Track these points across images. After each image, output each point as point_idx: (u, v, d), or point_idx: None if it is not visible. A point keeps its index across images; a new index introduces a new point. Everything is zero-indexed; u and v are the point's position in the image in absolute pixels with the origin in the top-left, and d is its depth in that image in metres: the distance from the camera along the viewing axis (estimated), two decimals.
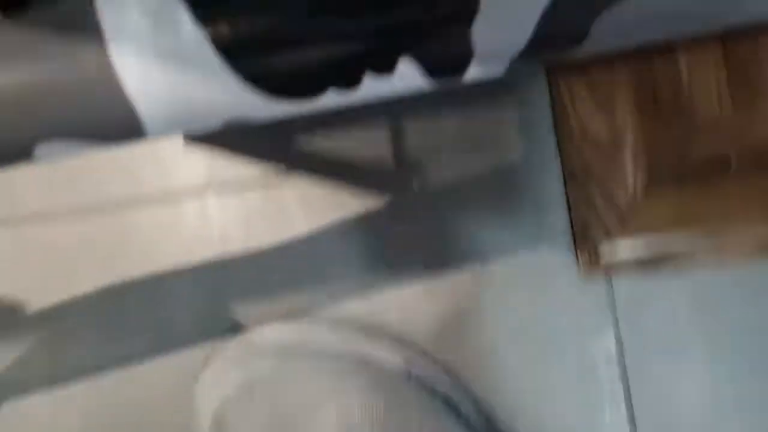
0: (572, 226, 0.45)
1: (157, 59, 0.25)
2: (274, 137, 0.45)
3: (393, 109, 0.45)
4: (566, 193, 0.45)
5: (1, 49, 0.26)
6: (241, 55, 0.26)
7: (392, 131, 0.45)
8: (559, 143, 0.46)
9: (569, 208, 0.45)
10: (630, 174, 0.46)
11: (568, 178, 0.45)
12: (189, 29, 0.25)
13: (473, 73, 0.28)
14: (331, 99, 0.28)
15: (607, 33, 0.28)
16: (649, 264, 0.46)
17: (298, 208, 0.45)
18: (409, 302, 0.44)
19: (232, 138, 0.45)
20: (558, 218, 0.45)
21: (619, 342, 0.46)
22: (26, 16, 0.26)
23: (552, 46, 0.29)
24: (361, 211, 0.45)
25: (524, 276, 0.45)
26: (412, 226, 0.45)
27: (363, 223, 0.45)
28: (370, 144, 0.45)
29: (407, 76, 0.28)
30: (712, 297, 0.46)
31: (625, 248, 0.45)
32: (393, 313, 0.44)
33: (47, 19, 0.26)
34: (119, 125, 0.27)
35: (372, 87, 0.28)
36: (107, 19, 0.25)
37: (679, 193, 0.46)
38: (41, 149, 0.28)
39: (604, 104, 0.47)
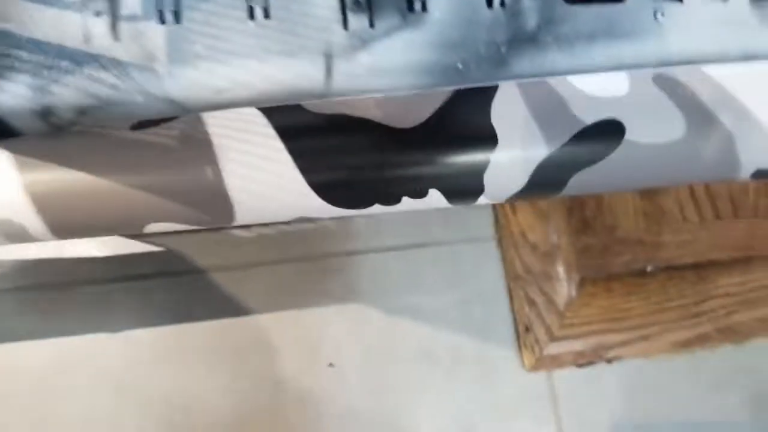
0: (515, 323, 0.52)
1: (256, 173, 0.33)
2: None
3: None
4: (509, 294, 0.52)
5: (132, 156, 0.33)
6: (317, 176, 0.33)
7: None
8: (502, 249, 0.53)
9: (512, 307, 0.52)
10: (564, 277, 0.53)
11: (511, 280, 0.52)
12: (286, 162, 0.32)
13: (481, 201, 0.37)
14: (377, 210, 0.35)
15: (580, 186, 0.37)
16: (586, 358, 0.52)
17: None
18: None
19: None
20: (502, 313, 0.52)
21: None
22: (152, 131, 0.33)
23: (538, 193, 0.38)
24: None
25: (470, 369, 0.50)
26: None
27: None
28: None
29: (434, 201, 0.36)
30: (642, 387, 0.52)
31: (564, 344, 0.52)
32: None
33: (170, 134, 0.32)
34: (218, 217, 0.34)
35: (407, 205, 0.36)
36: (217, 140, 0.33)
37: (608, 294, 0.53)
38: (150, 228, 0.34)
39: (542, 216, 0.55)
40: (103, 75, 0.34)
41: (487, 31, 0.37)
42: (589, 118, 0.35)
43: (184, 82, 0.35)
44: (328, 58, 0.35)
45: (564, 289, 0.53)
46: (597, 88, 0.36)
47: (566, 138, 0.35)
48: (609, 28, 0.38)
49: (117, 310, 0.49)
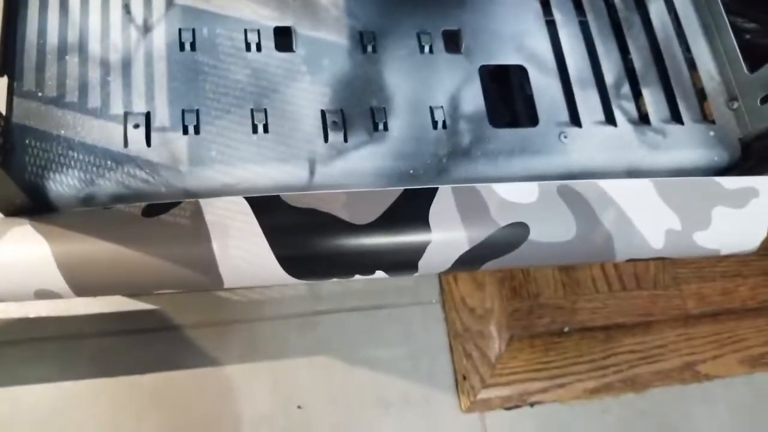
0: (455, 373, 0.63)
1: (239, 249, 0.42)
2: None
3: None
4: (450, 348, 0.63)
5: (143, 233, 0.42)
6: (285, 253, 0.43)
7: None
8: (446, 311, 0.65)
9: (453, 359, 0.63)
10: (496, 335, 0.65)
11: (452, 336, 0.64)
12: (262, 242, 0.43)
13: (414, 275, 0.47)
14: (333, 280, 0.46)
15: (489, 267, 0.47)
16: (513, 402, 0.63)
17: None
18: None
19: None
20: (444, 365, 0.62)
21: None
22: (161, 214, 0.42)
23: (459, 270, 0.47)
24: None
25: (418, 411, 0.61)
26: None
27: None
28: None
29: (378, 276, 0.46)
30: (558, 427, 0.63)
31: (495, 391, 0.63)
32: None
33: (174, 216, 0.42)
34: (209, 282, 0.43)
35: (358, 278, 0.45)
36: (211, 220, 0.42)
37: (531, 349, 0.65)
38: (155, 290, 0.44)
39: (479, 285, 0.66)
40: (137, 172, 0.45)
41: (433, 146, 0.50)
42: (503, 221, 0.46)
43: (201, 179, 0.46)
44: (312, 164, 0.47)
45: (495, 344, 0.64)
46: (513, 195, 0.47)
47: (483, 237, 0.46)
48: (525, 146, 0.51)
49: (117, 359, 0.58)
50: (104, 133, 0.45)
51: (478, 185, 0.47)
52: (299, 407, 0.59)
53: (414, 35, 0.53)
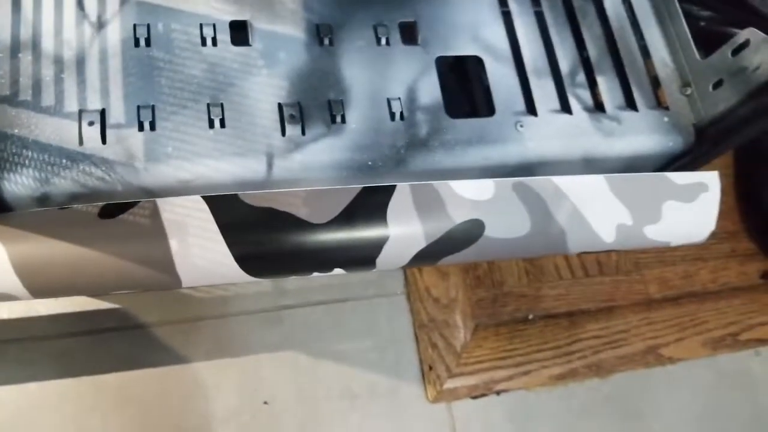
0: (421, 363, 0.64)
1: (196, 248, 0.43)
2: None
3: None
4: (416, 339, 0.64)
5: (100, 233, 0.42)
6: (243, 253, 0.44)
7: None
8: (411, 302, 0.66)
9: (418, 350, 0.64)
10: (461, 324, 0.66)
11: (417, 327, 0.65)
12: (220, 247, 0.43)
13: (372, 271, 0.48)
14: (291, 278, 0.46)
15: (446, 262, 0.48)
16: (479, 391, 0.65)
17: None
18: None
19: None
20: (410, 355, 0.63)
21: None
22: (118, 214, 0.42)
23: (417, 265, 0.50)
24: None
25: (385, 403, 0.62)
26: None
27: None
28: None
29: (336, 273, 0.47)
30: (525, 414, 0.65)
31: (461, 380, 0.64)
32: None
33: (132, 216, 0.42)
34: (167, 281, 0.43)
35: (316, 276, 0.47)
36: (168, 220, 0.43)
37: (496, 337, 0.66)
38: (113, 291, 0.44)
39: (443, 276, 0.68)
40: (93, 170, 0.45)
41: (391, 138, 0.51)
42: (460, 218, 0.47)
43: (157, 175, 0.46)
44: (270, 157, 0.48)
45: (461, 334, 0.65)
46: (470, 192, 0.48)
47: (441, 233, 0.47)
48: (481, 136, 0.52)
49: (81, 359, 0.58)
50: (59, 132, 0.45)
51: (435, 183, 0.48)
52: (266, 403, 0.60)
53: (371, 27, 0.53)
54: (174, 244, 0.43)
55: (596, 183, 0.51)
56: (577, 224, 0.50)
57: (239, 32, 0.51)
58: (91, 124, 0.45)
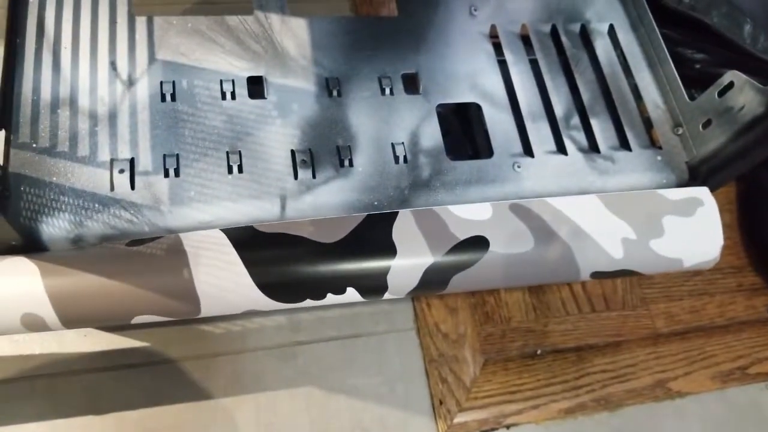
0: (431, 398, 0.67)
1: (216, 276, 0.48)
2: None
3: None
4: (426, 373, 0.68)
5: (127, 264, 0.47)
6: (262, 278, 0.49)
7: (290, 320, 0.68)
8: (420, 337, 0.70)
9: (429, 384, 0.68)
10: (470, 359, 0.70)
11: (427, 361, 0.69)
12: (239, 267, 0.48)
13: (386, 296, 0.53)
14: (307, 304, 0.51)
15: (459, 285, 0.53)
16: (489, 425, 0.68)
17: None
18: None
19: None
20: (421, 390, 0.67)
21: None
22: (143, 246, 0.47)
23: (428, 289, 0.53)
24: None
25: None
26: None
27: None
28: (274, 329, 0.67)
29: (351, 297, 0.51)
30: None
31: (471, 414, 0.68)
32: None
33: (156, 247, 0.48)
34: (188, 310, 0.48)
35: (331, 299, 0.51)
36: (190, 251, 0.48)
37: (505, 372, 0.70)
38: (137, 319, 0.48)
39: (452, 311, 0.72)
40: (123, 213, 0.50)
41: (395, 179, 0.56)
42: (463, 235, 0.52)
43: (181, 217, 0.52)
44: (283, 199, 0.53)
45: (470, 369, 0.69)
46: (468, 213, 0.53)
47: (446, 249, 0.52)
48: (480, 177, 0.58)
49: (106, 395, 0.63)
50: (92, 179, 0.51)
51: (435, 207, 0.53)
52: None
53: (375, 79, 0.59)
54: (195, 272, 0.48)
55: (591, 201, 0.56)
56: (580, 240, 0.54)
57: (256, 86, 0.57)
58: (121, 171, 0.51)
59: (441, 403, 0.67)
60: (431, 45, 0.62)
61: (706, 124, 0.61)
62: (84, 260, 0.49)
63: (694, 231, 0.57)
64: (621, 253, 0.54)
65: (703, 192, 0.58)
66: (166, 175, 0.52)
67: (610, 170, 0.60)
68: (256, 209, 0.53)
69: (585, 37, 0.66)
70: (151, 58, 0.55)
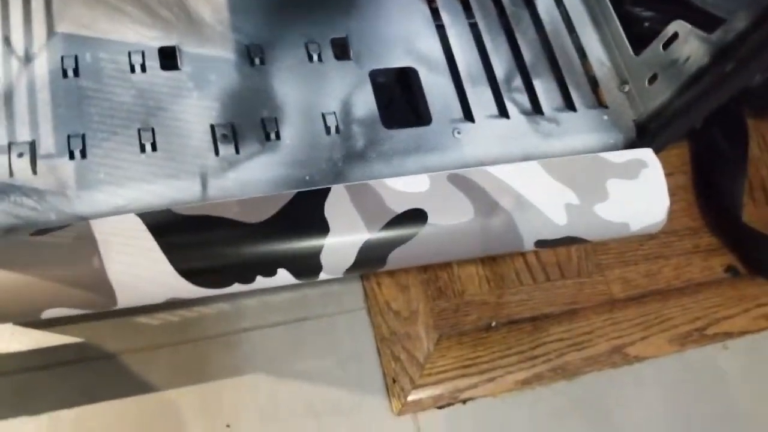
0: (384, 377, 0.62)
1: (132, 264, 0.42)
2: None
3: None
4: (378, 353, 0.63)
5: (31, 254, 0.41)
6: (184, 264, 0.43)
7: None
8: (371, 315, 0.65)
9: (381, 364, 0.63)
10: (424, 335, 0.65)
11: (379, 340, 0.63)
12: (157, 254, 0.42)
13: (322, 276, 0.47)
14: (236, 288, 0.45)
15: (398, 261, 0.48)
16: (444, 401, 0.63)
17: None
18: None
19: None
20: (373, 370, 0.62)
21: None
22: (48, 235, 0.41)
23: (366, 267, 0.48)
24: None
25: (349, 419, 0.60)
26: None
27: None
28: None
29: (283, 279, 0.45)
30: (492, 421, 0.63)
31: (425, 390, 0.63)
32: None
33: (63, 236, 0.42)
34: (103, 300, 0.42)
35: (261, 282, 0.45)
36: (101, 238, 0.42)
37: (460, 346, 0.65)
38: (47, 313, 0.42)
39: (403, 289, 0.66)
40: (25, 201, 0.44)
41: (327, 151, 0.50)
42: (400, 208, 0.46)
43: (90, 202, 0.45)
44: (204, 177, 0.47)
45: (423, 345, 0.64)
46: (405, 186, 0.47)
47: (382, 224, 0.46)
48: (418, 145, 0.52)
49: (39, 395, 0.56)
50: None
51: (369, 181, 0.47)
52: (228, 426, 0.58)
53: (302, 45, 0.53)
54: (107, 261, 0.42)
55: (531, 167, 0.51)
56: (522, 208, 0.49)
57: (168, 57, 0.51)
58: (20, 155, 0.45)
59: (394, 381, 0.62)
60: (362, 7, 0.56)
61: (652, 79, 0.56)
62: None
63: (639, 193, 0.52)
64: (565, 220, 0.49)
65: (646, 153, 0.53)
66: (72, 157, 0.46)
67: (555, 132, 0.55)
68: (174, 190, 0.46)
69: None
70: (50, 31, 0.49)
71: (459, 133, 0.53)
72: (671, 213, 0.77)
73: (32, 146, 0.45)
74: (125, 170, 0.46)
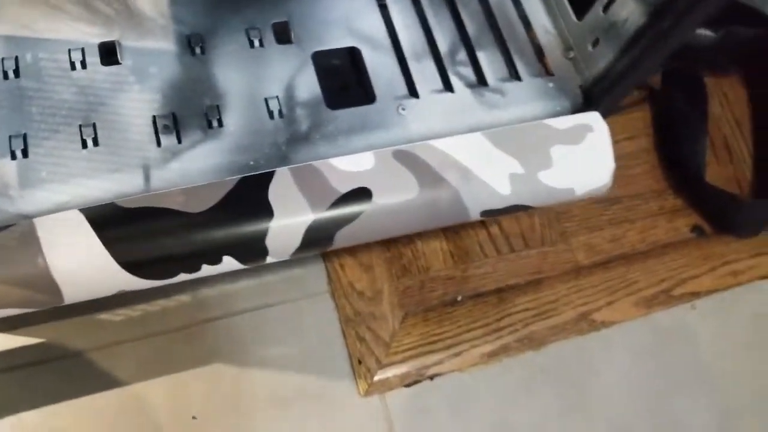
0: (350, 358, 0.64)
1: (75, 260, 0.43)
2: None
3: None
4: (343, 335, 0.65)
5: None
6: (126, 256, 0.44)
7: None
8: (335, 298, 0.66)
9: (347, 345, 0.64)
10: (389, 314, 0.66)
11: (344, 322, 0.65)
12: (99, 248, 0.44)
13: (269, 260, 0.49)
14: (181, 278, 0.47)
15: (346, 239, 0.49)
16: (411, 378, 0.65)
17: None
18: None
19: None
20: (339, 353, 0.64)
21: None
22: None
23: (314, 247, 0.50)
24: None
25: (316, 403, 0.62)
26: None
27: None
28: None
29: (229, 265, 0.47)
30: (461, 396, 0.65)
31: (392, 369, 0.65)
32: None
33: (5, 236, 0.43)
34: (50, 298, 0.44)
35: (207, 270, 0.47)
36: (44, 236, 0.43)
37: (425, 323, 0.67)
38: None
39: (366, 269, 0.68)
40: None
41: (271, 136, 0.52)
42: (344, 188, 0.48)
43: (34, 201, 0.47)
44: (146, 169, 0.49)
45: (389, 324, 0.66)
46: (350, 165, 0.49)
47: (327, 204, 0.48)
48: (363, 124, 0.54)
49: (2, 397, 0.58)
50: None
51: (314, 162, 0.49)
52: (194, 418, 0.60)
53: (243, 31, 0.54)
54: (51, 258, 0.43)
55: (476, 139, 0.53)
56: (466, 181, 0.51)
57: (109, 53, 0.52)
58: None
59: (360, 362, 0.64)
60: None
61: (595, 43, 0.58)
62: None
63: (584, 158, 0.54)
64: (509, 189, 0.51)
65: (592, 117, 0.55)
66: (13, 157, 0.47)
67: (500, 103, 0.57)
68: (117, 183, 0.48)
69: None
70: None
71: (404, 109, 0.55)
72: (635, 176, 0.81)
73: None
74: (68, 167, 0.47)
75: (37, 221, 0.44)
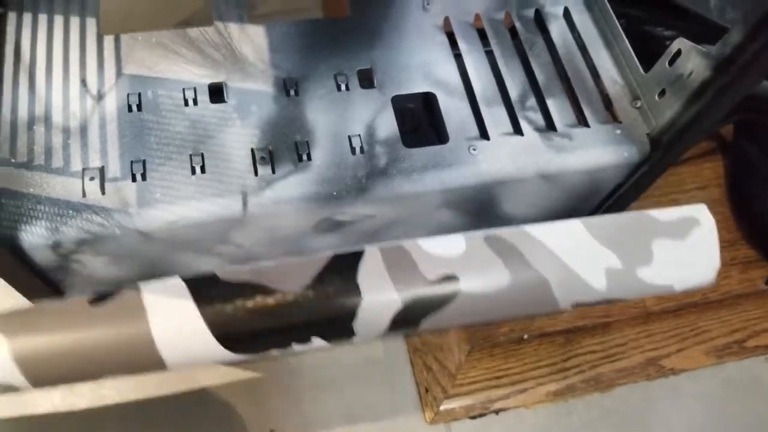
0: (417, 386, 0.71)
1: (176, 330, 0.49)
2: None
3: None
4: (411, 362, 0.72)
5: (89, 325, 0.48)
6: (222, 331, 0.49)
7: None
8: None
9: (414, 373, 0.72)
10: (455, 346, 0.73)
11: (412, 352, 0.73)
12: (200, 326, 0.49)
13: (355, 342, 0.52)
14: (274, 354, 0.52)
15: (431, 326, 0.52)
16: (476, 411, 0.71)
17: None
18: None
19: None
20: (407, 383, 0.71)
21: None
22: (103, 303, 0.48)
23: (399, 331, 0.52)
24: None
25: (385, 426, 0.69)
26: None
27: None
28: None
29: (317, 344, 0.52)
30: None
31: (457, 401, 0.71)
32: None
33: (116, 304, 0.49)
34: (152, 366, 0.49)
35: (298, 348, 0.51)
36: (150, 307, 0.49)
37: (491, 358, 0.73)
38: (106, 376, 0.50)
39: None
40: (94, 218, 0.57)
41: (353, 170, 0.61)
42: (434, 275, 0.50)
43: (148, 218, 0.58)
44: (245, 196, 0.59)
45: (455, 357, 0.73)
46: (440, 249, 0.52)
47: (415, 293, 0.50)
48: (437, 162, 0.62)
49: None
50: (66, 188, 0.57)
51: (404, 242, 0.53)
52: (272, 430, 0.68)
53: (332, 77, 0.65)
54: (154, 327, 0.48)
55: (572, 227, 0.53)
56: (559, 272, 0.52)
57: (217, 92, 0.63)
58: (92, 179, 0.58)
59: (427, 390, 0.71)
60: (385, 40, 0.67)
61: (662, 94, 0.65)
62: (49, 317, 0.49)
63: (687, 255, 0.54)
64: (604, 285, 0.53)
65: (699, 210, 0.56)
66: (134, 179, 0.58)
67: (568, 147, 0.64)
68: (219, 207, 0.58)
69: (540, 22, 0.71)
70: (119, 72, 0.62)
71: (475, 150, 0.63)
72: None
73: (102, 171, 0.58)
74: (178, 190, 0.58)
75: (142, 286, 0.49)
